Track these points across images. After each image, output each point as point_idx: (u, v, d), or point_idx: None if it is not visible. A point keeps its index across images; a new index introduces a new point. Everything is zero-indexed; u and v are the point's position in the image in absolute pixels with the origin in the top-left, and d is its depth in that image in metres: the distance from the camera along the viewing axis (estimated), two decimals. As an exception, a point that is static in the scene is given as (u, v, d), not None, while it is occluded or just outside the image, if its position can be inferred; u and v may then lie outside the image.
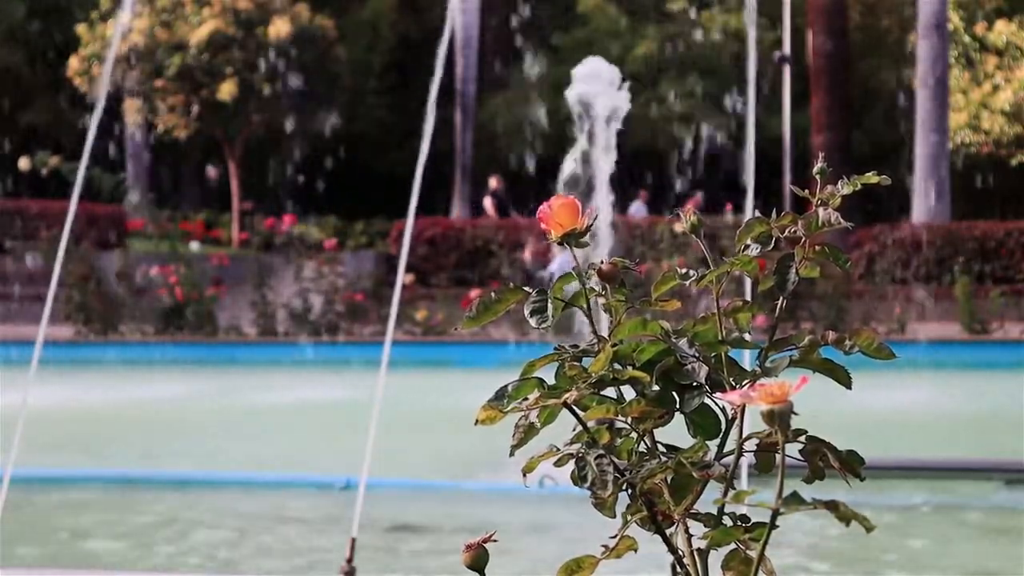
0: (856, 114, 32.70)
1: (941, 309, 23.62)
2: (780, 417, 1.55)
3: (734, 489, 1.66)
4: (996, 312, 22.49)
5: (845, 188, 1.74)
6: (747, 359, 1.89)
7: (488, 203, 29.68)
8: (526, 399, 1.71)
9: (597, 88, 11.80)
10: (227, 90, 31.22)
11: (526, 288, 1.76)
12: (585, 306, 1.76)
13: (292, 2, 32.42)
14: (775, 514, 1.59)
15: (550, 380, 1.72)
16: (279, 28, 31.36)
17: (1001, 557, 7.93)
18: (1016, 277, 26.72)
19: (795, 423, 1.58)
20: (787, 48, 26.49)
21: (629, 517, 1.72)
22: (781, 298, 1.75)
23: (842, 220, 1.72)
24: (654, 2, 38.80)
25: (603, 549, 1.74)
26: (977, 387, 17.07)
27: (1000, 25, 35.29)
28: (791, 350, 1.74)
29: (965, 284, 22.69)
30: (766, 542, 1.65)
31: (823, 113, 28.64)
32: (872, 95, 37.16)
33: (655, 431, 1.74)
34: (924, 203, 28.49)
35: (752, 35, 8.65)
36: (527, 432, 1.72)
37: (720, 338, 1.74)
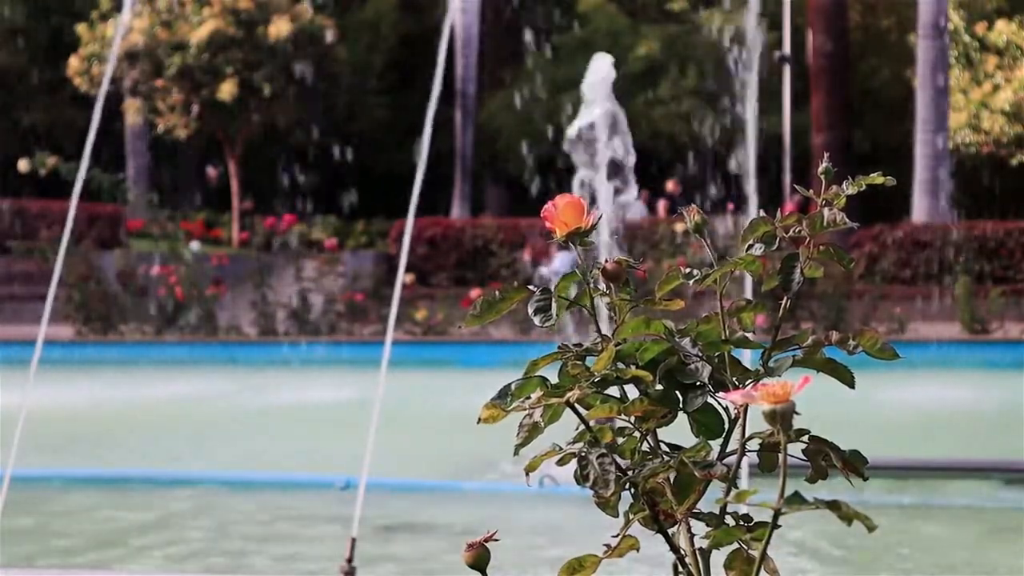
0: (856, 114, 32.70)
1: (941, 309, 23.62)
2: (782, 417, 1.55)
3: (736, 489, 1.66)
4: (996, 312, 22.48)
5: (850, 188, 1.74)
6: (747, 358, 1.88)
7: (661, 205, 29.62)
8: (529, 398, 1.71)
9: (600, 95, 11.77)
10: (227, 90, 31.22)
11: (530, 287, 1.76)
12: (589, 305, 1.76)
13: (293, 2, 32.42)
14: (777, 514, 1.59)
15: (553, 379, 1.72)
16: (279, 28, 31.36)
17: (1001, 556, 7.93)
18: (1016, 277, 26.71)
19: (797, 423, 1.58)
20: (787, 48, 26.53)
21: (631, 516, 1.72)
22: (786, 298, 1.75)
23: (847, 220, 1.72)
24: (654, 2, 38.81)
25: (605, 548, 1.74)
26: (977, 387, 17.07)
27: (1000, 25, 35.29)
28: (794, 350, 1.74)
29: (965, 284, 22.69)
30: (768, 542, 1.65)
31: (823, 113, 28.64)
32: (872, 95, 37.16)
33: (658, 430, 1.74)
34: (924, 203, 28.49)
35: (752, 35, 8.65)
36: (531, 431, 1.72)
37: (723, 337, 1.74)
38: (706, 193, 28.00)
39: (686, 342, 1.73)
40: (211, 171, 36.30)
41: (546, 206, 1.77)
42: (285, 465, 11.22)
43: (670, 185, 30.48)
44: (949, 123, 30.07)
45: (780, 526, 1.61)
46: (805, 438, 1.66)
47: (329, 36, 32.12)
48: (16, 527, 7.99)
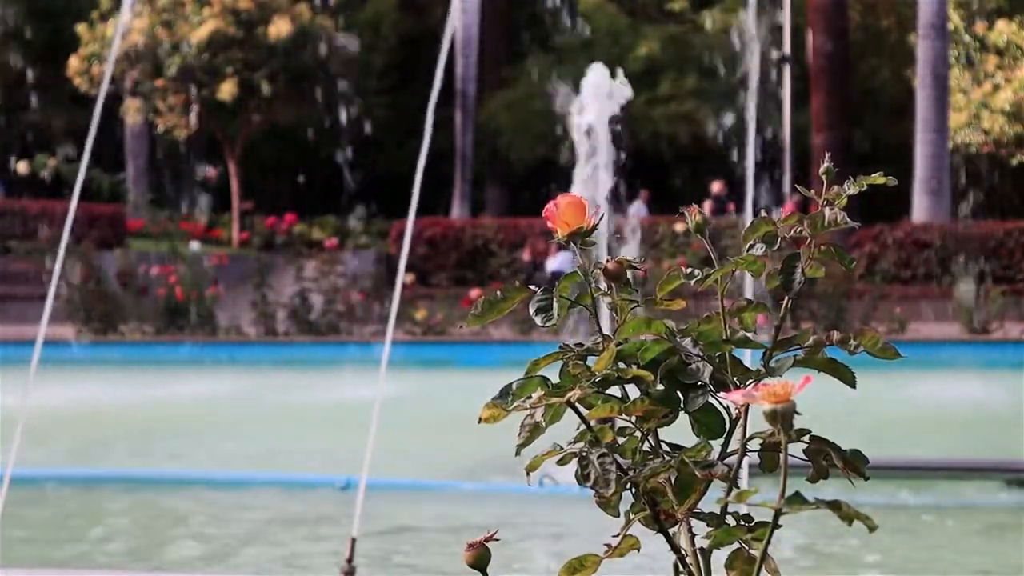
0: (856, 114, 32.71)
1: (941, 309, 23.61)
2: (783, 416, 1.55)
3: (737, 488, 1.66)
4: (996, 312, 22.48)
5: (851, 188, 1.74)
6: (748, 358, 1.88)
7: (708, 206, 29.59)
8: (530, 397, 1.71)
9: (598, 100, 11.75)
10: (227, 90, 31.21)
11: (531, 286, 1.76)
12: (590, 305, 1.76)
13: (292, 2, 32.42)
14: (778, 514, 1.59)
15: (554, 379, 1.72)
16: (279, 28, 31.35)
17: (1001, 557, 7.93)
18: (1016, 277, 26.71)
19: (798, 423, 1.58)
20: (787, 48, 26.53)
21: (632, 516, 1.72)
22: (787, 298, 1.75)
23: (848, 220, 1.72)
24: (654, 2, 38.81)
25: (606, 548, 1.74)
26: (977, 387, 17.07)
27: (1000, 25, 35.30)
28: (795, 350, 1.74)
29: (965, 284, 22.68)
30: (768, 541, 1.65)
31: (823, 113, 28.64)
32: (872, 95, 37.16)
33: (659, 430, 1.74)
34: (924, 203, 28.50)
35: (753, 35, 8.66)
36: (533, 431, 1.72)
37: (724, 337, 1.74)
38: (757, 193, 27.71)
39: (687, 342, 1.73)
40: (211, 171, 36.30)
41: (547, 206, 1.77)
42: (285, 465, 11.22)
43: (716, 187, 30.38)
44: (949, 123, 30.07)
45: (781, 526, 1.61)
46: (806, 438, 1.66)
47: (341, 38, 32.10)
48: (16, 527, 7.98)
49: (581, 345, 1.74)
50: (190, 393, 17.48)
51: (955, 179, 31.22)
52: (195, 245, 28.68)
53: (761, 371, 1.72)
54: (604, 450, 1.70)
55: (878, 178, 1.76)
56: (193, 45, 31.16)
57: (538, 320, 1.74)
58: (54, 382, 13.78)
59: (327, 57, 32.09)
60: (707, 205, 29.49)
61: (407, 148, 29.85)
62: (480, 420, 1.73)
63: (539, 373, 1.73)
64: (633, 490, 1.71)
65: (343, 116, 33.15)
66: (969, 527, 8.81)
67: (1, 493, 6.11)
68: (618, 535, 1.73)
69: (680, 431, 1.74)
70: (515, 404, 1.71)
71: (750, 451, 1.70)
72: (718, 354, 1.74)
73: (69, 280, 22.06)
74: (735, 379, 1.73)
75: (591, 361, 1.73)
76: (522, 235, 28.28)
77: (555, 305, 1.75)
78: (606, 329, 1.75)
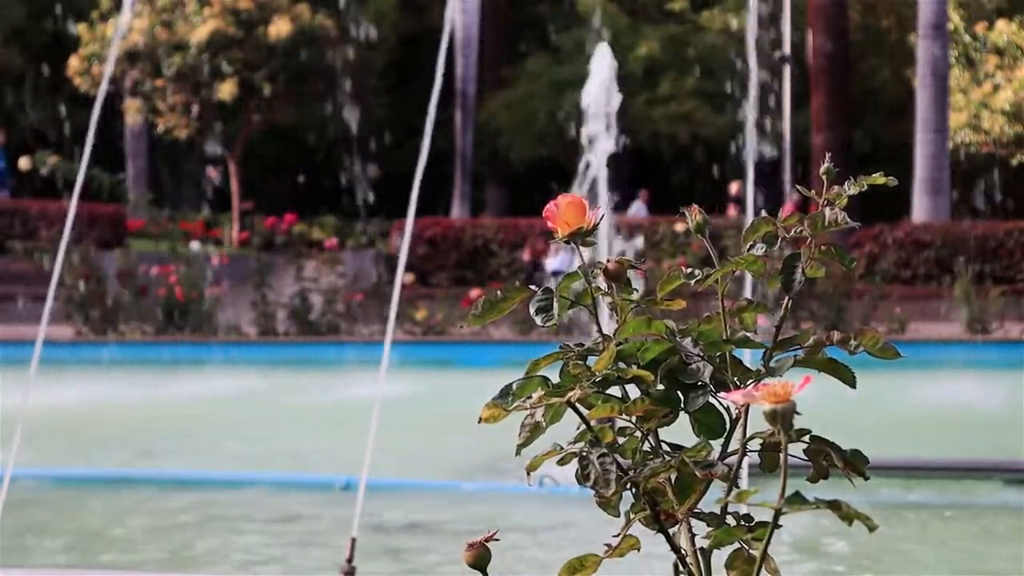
0: (856, 114, 32.70)
1: (941, 309, 23.61)
2: (783, 416, 1.55)
3: (737, 488, 1.66)
4: (996, 312, 22.48)
5: (852, 188, 1.74)
6: (748, 358, 1.89)
7: (731, 209, 29.59)
8: (530, 397, 1.71)
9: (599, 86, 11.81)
10: (227, 90, 31.21)
11: (531, 286, 1.76)
12: (590, 304, 1.76)
13: (293, 2, 32.41)
14: (778, 514, 1.59)
15: (554, 379, 1.72)
16: (279, 28, 31.35)
17: (1001, 557, 7.93)
18: (1016, 277, 26.71)
19: (798, 423, 1.58)
20: (787, 48, 26.52)
21: (632, 516, 1.72)
22: (787, 298, 1.75)
23: (849, 220, 1.72)
24: (654, 2, 38.80)
25: (606, 548, 1.74)
26: (977, 387, 17.07)
27: (1000, 25, 35.31)
28: (796, 350, 1.74)
29: (965, 284, 22.69)
30: (768, 541, 1.65)
31: (823, 113, 28.64)
32: (872, 95, 37.16)
33: (659, 430, 1.74)
34: (924, 203, 28.50)
35: (752, 35, 8.66)
36: (533, 431, 1.72)
37: (725, 337, 1.74)
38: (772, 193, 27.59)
39: (687, 342, 1.73)
40: (211, 171, 36.33)
41: (548, 206, 1.77)
42: (285, 465, 11.22)
43: (734, 188, 30.35)
44: (949, 123, 30.07)
45: (781, 526, 1.61)
46: (806, 438, 1.66)
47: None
48: (16, 527, 7.98)
49: (581, 345, 1.74)
50: (190, 393, 17.48)
51: (955, 179, 31.21)
52: (195, 245, 28.66)
53: (761, 371, 1.72)
54: (604, 450, 1.70)
55: (878, 178, 1.76)
56: (193, 45, 31.16)
57: (538, 320, 1.74)
58: (54, 382, 13.78)
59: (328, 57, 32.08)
60: (730, 208, 29.47)
61: (407, 148, 29.85)
62: (480, 420, 1.73)
63: (539, 373, 1.73)
64: (633, 490, 1.71)
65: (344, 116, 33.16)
66: (969, 527, 8.81)
67: (1, 493, 6.11)
68: (618, 535, 1.73)
69: (680, 431, 1.74)
70: (515, 404, 1.71)
71: (750, 451, 1.70)
72: (718, 354, 1.74)
73: (69, 280, 22.05)
74: (735, 379, 1.73)
75: (591, 361, 1.73)
76: (522, 235, 28.28)
77: (555, 305, 1.75)
78: (606, 329, 1.75)
